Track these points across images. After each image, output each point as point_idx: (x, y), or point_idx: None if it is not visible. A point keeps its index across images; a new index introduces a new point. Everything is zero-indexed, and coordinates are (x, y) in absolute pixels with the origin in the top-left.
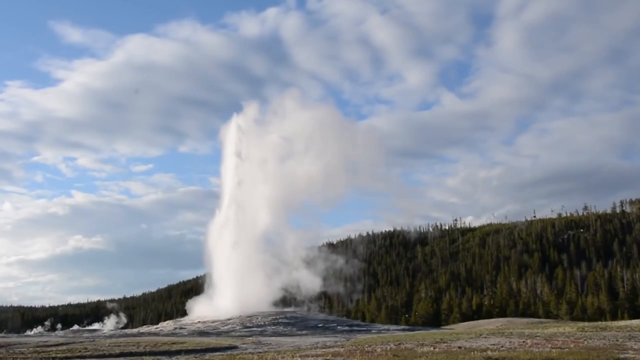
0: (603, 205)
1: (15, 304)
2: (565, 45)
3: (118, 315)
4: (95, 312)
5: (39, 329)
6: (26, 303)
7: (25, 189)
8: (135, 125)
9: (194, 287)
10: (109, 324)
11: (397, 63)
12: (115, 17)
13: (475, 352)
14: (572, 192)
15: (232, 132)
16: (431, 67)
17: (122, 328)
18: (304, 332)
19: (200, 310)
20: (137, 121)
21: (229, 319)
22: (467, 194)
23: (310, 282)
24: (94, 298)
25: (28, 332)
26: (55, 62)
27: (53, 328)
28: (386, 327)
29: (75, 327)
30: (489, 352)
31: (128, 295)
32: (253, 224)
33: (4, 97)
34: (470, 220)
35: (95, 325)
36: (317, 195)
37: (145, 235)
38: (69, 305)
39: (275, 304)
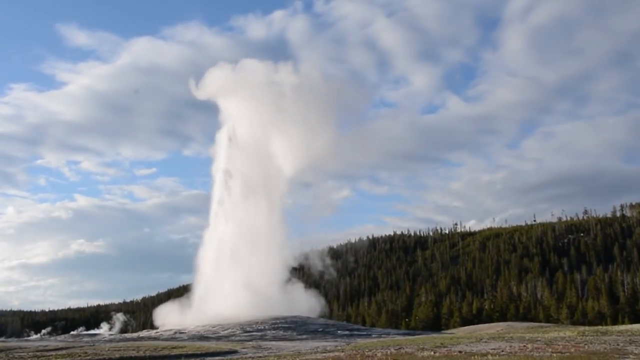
0: (607, 209)
1: (17, 308)
2: (571, 49)
3: (125, 315)
4: (95, 316)
5: (48, 329)
6: (27, 307)
7: (28, 192)
8: (139, 128)
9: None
10: (117, 324)
11: (403, 66)
12: (121, 20)
13: (476, 356)
14: (575, 196)
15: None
16: (437, 70)
17: (123, 332)
18: (304, 336)
19: (196, 313)
20: (142, 124)
21: (229, 323)
22: (470, 198)
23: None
24: (95, 302)
25: (33, 335)
26: (61, 64)
27: (58, 332)
28: (386, 331)
29: (82, 329)
30: (490, 357)
31: (128, 300)
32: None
33: (9, 100)
34: (473, 224)
35: (104, 327)
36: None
37: (147, 239)
38: (69, 309)
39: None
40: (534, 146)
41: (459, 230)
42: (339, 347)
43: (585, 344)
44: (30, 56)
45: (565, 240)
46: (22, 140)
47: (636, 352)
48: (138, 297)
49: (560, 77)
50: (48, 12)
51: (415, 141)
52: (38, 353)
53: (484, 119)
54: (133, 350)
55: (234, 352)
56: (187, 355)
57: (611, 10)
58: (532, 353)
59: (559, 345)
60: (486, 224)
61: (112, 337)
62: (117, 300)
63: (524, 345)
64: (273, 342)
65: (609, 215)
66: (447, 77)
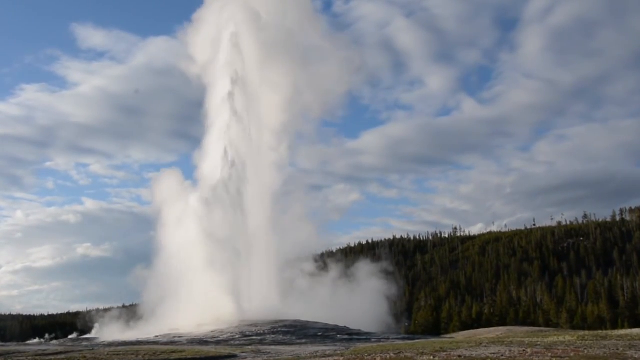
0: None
1: (19, 312)
2: (590, 50)
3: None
4: (94, 319)
5: (52, 335)
6: (29, 311)
7: (36, 195)
8: (150, 130)
9: None
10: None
11: (419, 68)
12: (139, 19)
13: None
14: (585, 200)
15: None
16: (453, 72)
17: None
18: (303, 340)
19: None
20: (153, 126)
21: (228, 327)
22: (479, 201)
23: None
24: (96, 307)
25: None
26: (75, 65)
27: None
28: (386, 335)
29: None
30: None
31: (128, 304)
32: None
33: (20, 101)
34: (480, 229)
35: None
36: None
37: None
38: (68, 313)
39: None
40: (546, 149)
41: (458, 235)
42: (338, 352)
43: (585, 349)
44: (43, 56)
45: (565, 245)
46: (32, 143)
47: (636, 356)
48: (139, 300)
49: (576, 78)
50: (64, 12)
51: (427, 144)
52: (37, 357)
53: (498, 121)
54: (132, 354)
55: (234, 356)
56: (186, 359)
57: (632, 11)
58: (531, 357)
59: (558, 349)
60: (493, 229)
61: (111, 341)
62: (117, 304)
63: (524, 350)
64: (272, 347)
65: (609, 219)
66: (463, 79)
